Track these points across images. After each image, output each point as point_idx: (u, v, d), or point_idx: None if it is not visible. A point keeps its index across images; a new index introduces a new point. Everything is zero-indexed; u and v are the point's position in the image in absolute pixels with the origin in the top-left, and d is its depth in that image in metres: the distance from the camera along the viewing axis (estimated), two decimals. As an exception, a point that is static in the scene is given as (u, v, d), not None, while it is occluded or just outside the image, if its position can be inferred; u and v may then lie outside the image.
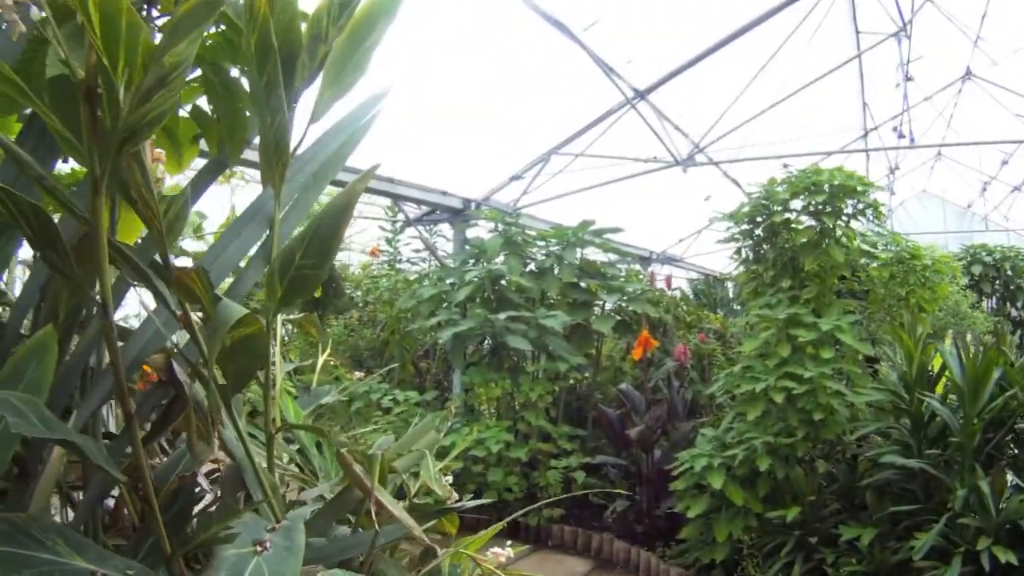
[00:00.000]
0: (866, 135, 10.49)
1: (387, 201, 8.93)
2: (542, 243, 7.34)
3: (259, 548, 1.02)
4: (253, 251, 1.52)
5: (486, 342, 7.05)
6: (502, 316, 6.43)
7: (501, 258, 6.99)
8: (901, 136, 9.53)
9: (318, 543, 1.48)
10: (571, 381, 6.89)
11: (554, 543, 5.99)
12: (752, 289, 5.14)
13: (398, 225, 8.86)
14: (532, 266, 7.31)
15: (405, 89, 7.58)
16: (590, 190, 8.40)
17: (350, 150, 1.60)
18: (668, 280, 8.01)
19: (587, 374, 7.31)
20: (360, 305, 9.11)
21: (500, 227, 7.62)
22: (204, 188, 1.58)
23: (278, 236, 1.39)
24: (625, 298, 6.97)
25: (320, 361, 3.88)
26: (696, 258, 13.35)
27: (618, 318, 7.15)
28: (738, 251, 5.30)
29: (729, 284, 12.92)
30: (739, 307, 13.40)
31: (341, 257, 10.12)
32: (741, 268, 5.37)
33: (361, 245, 11.99)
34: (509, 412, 6.75)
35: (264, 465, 1.50)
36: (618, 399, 6.35)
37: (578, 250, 7.18)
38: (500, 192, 8.04)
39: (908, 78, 8.46)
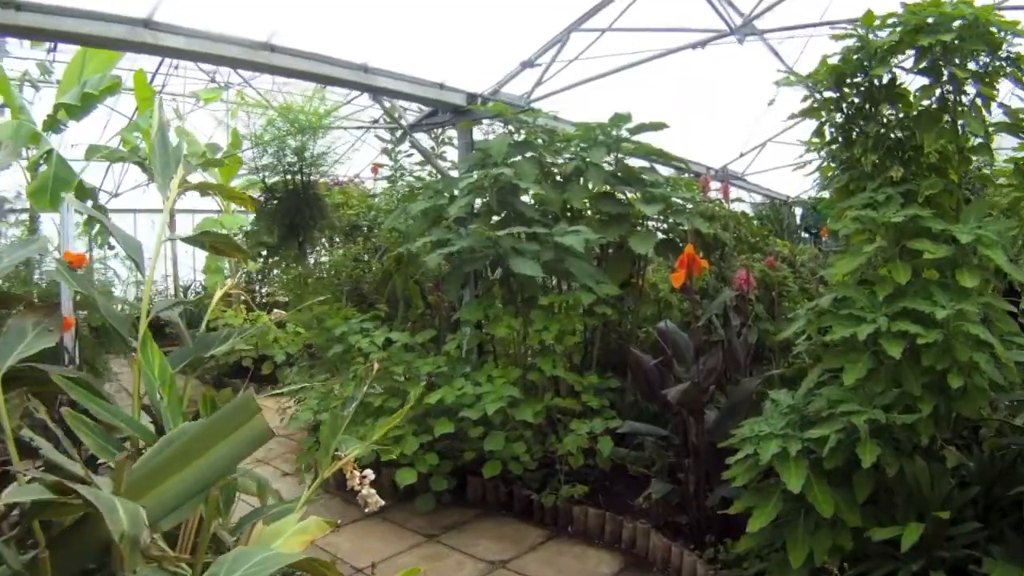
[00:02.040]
0: None
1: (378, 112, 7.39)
2: (563, 144, 5.77)
3: None
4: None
5: (499, 271, 5.57)
6: (505, 233, 4.95)
7: (513, 165, 5.46)
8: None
9: None
10: (606, 317, 5.38)
11: (575, 530, 4.59)
12: (843, 185, 3.53)
13: (398, 133, 7.35)
14: (555, 177, 5.79)
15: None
16: (621, 79, 6.68)
17: None
18: (726, 189, 6.33)
19: (630, 307, 5.80)
20: (364, 231, 7.68)
21: (510, 127, 6.07)
22: None
23: None
24: (670, 210, 5.39)
25: (218, 294, 2.74)
26: (758, 177, 11.48)
27: (662, 237, 5.60)
28: (819, 132, 3.65)
29: (797, 210, 10.96)
30: (807, 234, 11.62)
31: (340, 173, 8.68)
32: (823, 156, 3.72)
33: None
34: (523, 359, 5.31)
35: None
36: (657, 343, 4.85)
37: (610, 153, 5.60)
38: (510, 84, 6.43)
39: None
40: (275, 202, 6.55)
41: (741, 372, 4.36)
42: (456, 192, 5.54)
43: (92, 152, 10.78)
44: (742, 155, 10.43)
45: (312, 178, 6.73)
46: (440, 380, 5.17)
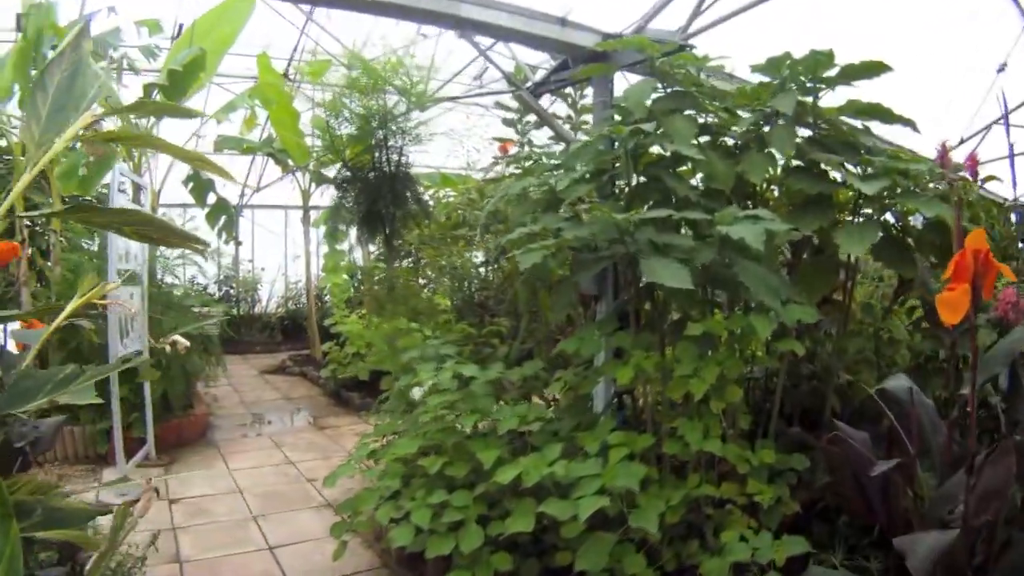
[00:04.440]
0: None
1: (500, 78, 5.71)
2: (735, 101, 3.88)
3: None
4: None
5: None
6: (641, 218, 3.17)
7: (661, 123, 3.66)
8: None
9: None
10: (792, 354, 3.47)
11: None
12: None
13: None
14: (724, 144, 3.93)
15: None
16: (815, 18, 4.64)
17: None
18: (973, 162, 4.10)
19: (827, 332, 3.84)
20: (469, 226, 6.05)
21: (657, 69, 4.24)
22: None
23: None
24: (897, 190, 3.40)
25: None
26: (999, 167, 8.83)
27: (881, 234, 3.59)
28: None
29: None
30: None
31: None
32: None
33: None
34: (666, 414, 3.47)
35: None
36: (876, 410, 2.90)
37: (807, 99, 3.67)
38: (657, 19, 4.58)
39: None
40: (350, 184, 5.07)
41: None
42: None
43: (224, 144, 9.96)
44: (963, 141, 7.97)
45: (403, 157, 5.22)
46: (539, 439, 3.50)
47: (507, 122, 5.40)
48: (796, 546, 2.80)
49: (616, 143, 3.64)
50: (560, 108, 5.47)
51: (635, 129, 3.48)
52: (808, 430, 3.66)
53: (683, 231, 3.57)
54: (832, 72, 3.58)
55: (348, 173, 5.14)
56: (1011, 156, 2.54)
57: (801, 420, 3.74)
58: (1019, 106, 7.32)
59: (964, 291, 2.03)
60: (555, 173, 3.93)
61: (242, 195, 12.32)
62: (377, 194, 4.95)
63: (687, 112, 3.72)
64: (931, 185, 3.48)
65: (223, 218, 10.44)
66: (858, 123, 3.82)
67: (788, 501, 3.19)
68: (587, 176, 3.80)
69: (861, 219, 3.55)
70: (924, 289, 3.53)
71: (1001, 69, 6.95)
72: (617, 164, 3.68)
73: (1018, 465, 2.11)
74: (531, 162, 4.71)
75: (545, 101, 5.41)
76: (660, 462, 3.38)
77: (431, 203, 6.17)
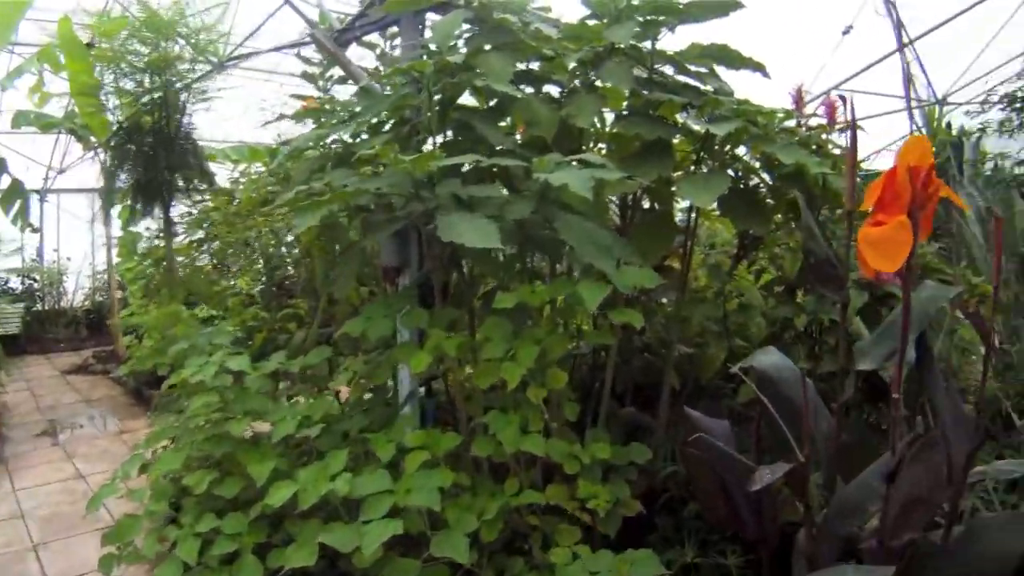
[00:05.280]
0: None
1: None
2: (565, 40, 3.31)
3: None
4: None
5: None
6: (443, 165, 2.55)
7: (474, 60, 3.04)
8: None
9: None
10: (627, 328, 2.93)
11: None
12: None
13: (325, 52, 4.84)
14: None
15: None
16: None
17: None
18: (832, 108, 3.75)
19: (659, 301, 3.34)
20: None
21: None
22: None
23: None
24: (747, 136, 2.94)
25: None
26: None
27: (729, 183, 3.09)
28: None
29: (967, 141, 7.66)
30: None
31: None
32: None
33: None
34: (476, 406, 2.87)
35: None
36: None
37: (644, 41, 3.15)
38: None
39: None
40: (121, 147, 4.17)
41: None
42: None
43: (20, 119, 8.63)
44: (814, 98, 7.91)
45: (187, 117, 4.36)
46: (326, 442, 2.86)
47: (307, 76, 4.61)
48: (646, 568, 2.27)
49: (420, 80, 3.01)
50: (371, 62, 4.76)
51: (440, 65, 2.87)
52: (643, 408, 3.18)
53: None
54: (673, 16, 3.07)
55: (123, 136, 4.24)
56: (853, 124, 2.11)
57: (635, 398, 3.26)
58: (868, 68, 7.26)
59: (900, 225, 1.50)
60: (350, 124, 3.25)
61: (46, 178, 11.04)
62: (153, 160, 4.08)
63: (503, 42, 3.13)
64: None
65: (17, 203, 9.19)
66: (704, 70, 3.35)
67: (629, 501, 2.68)
68: (386, 128, 3.17)
69: (705, 167, 3.07)
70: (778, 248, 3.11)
71: (847, 31, 6.92)
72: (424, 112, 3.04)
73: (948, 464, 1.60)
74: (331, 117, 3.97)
75: (357, 56, 4.69)
76: (477, 463, 2.79)
77: (241, 179, 5.38)
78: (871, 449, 2.11)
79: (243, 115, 5.65)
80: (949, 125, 7.61)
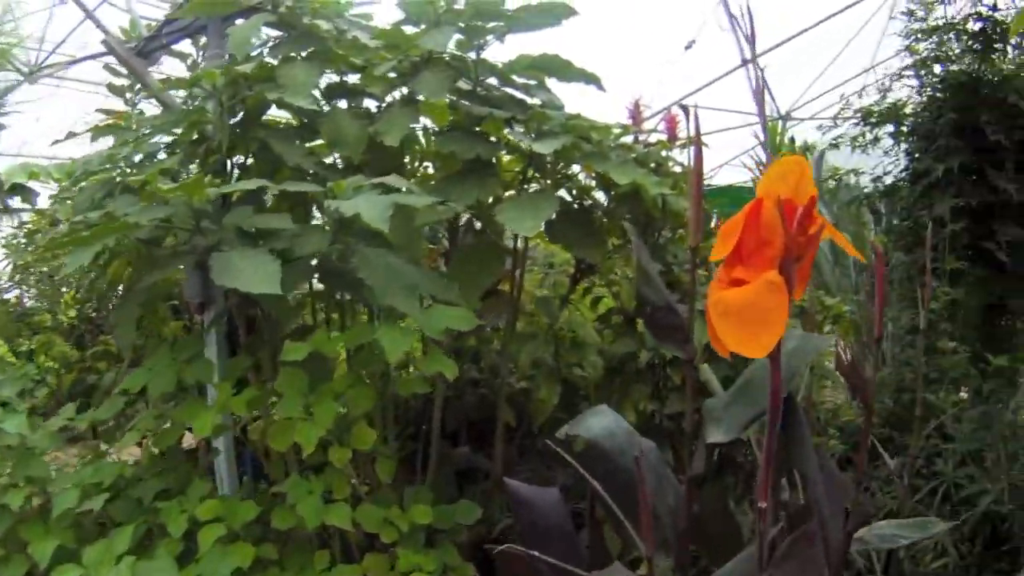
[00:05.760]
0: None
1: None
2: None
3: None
4: None
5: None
6: (224, 192, 2.18)
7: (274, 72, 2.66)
8: None
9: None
10: (454, 373, 2.63)
11: None
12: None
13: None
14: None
15: None
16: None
17: None
18: (672, 124, 3.57)
19: (495, 328, 3.02)
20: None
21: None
22: None
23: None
24: (579, 154, 2.69)
25: None
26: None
27: (558, 205, 2.81)
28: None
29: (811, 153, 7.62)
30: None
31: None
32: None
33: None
34: (278, 468, 2.48)
35: None
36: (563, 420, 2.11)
37: (469, 51, 2.86)
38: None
39: None
40: None
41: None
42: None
43: None
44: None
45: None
46: (121, 511, 2.45)
47: (113, 89, 4.10)
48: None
49: (213, 93, 2.63)
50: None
51: (232, 76, 2.50)
52: (479, 447, 2.90)
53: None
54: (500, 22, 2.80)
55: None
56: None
57: (470, 435, 2.97)
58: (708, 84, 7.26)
59: (769, 286, 0.98)
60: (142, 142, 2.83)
61: None
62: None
63: (306, 52, 2.78)
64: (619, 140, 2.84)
65: None
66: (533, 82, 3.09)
67: (460, 567, 2.38)
68: (176, 148, 2.77)
69: (535, 187, 2.81)
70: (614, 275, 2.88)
71: (689, 46, 6.87)
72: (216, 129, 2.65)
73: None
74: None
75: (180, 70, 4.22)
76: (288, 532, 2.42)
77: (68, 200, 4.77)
78: (729, 520, 1.88)
79: (75, 128, 5.03)
80: (792, 140, 7.74)
